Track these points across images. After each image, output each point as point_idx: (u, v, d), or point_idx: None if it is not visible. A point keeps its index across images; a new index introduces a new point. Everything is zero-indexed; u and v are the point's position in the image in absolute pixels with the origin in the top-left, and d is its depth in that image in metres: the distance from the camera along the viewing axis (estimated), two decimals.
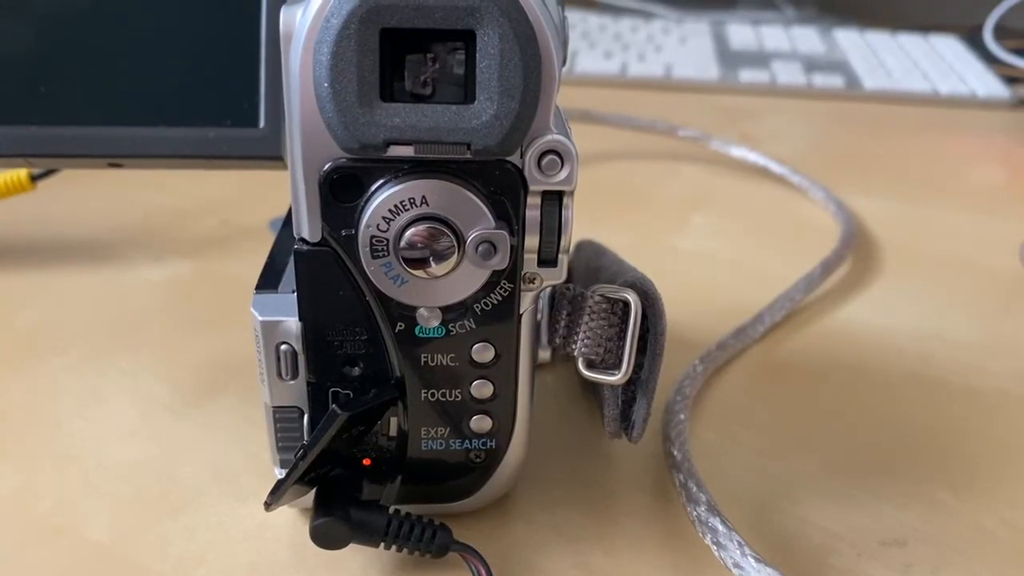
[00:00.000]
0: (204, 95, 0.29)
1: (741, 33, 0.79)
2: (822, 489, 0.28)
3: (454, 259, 0.20)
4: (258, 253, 0.43)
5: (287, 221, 0.28)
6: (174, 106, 0.29)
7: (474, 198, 0.20)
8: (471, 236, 0.20)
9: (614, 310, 0.23)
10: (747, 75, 0.68)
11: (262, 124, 0.29)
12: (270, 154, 0.29)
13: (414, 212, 0.20)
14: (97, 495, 0.27)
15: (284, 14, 0.19)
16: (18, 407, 0.30)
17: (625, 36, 0.76)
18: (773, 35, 0.79)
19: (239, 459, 0.28)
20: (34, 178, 0.37)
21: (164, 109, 0.29)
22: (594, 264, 0.28)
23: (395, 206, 0.20)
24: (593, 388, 0.27)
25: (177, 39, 0.29)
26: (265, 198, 0.45)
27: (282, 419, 0.24)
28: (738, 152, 0.52)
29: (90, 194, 0.45)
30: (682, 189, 0.50)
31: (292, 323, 0.22)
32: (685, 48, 0.74)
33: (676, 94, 0.67)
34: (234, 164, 0.29)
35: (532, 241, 0.21)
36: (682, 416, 0.28)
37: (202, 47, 0.29)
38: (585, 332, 0.23)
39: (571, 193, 0.21)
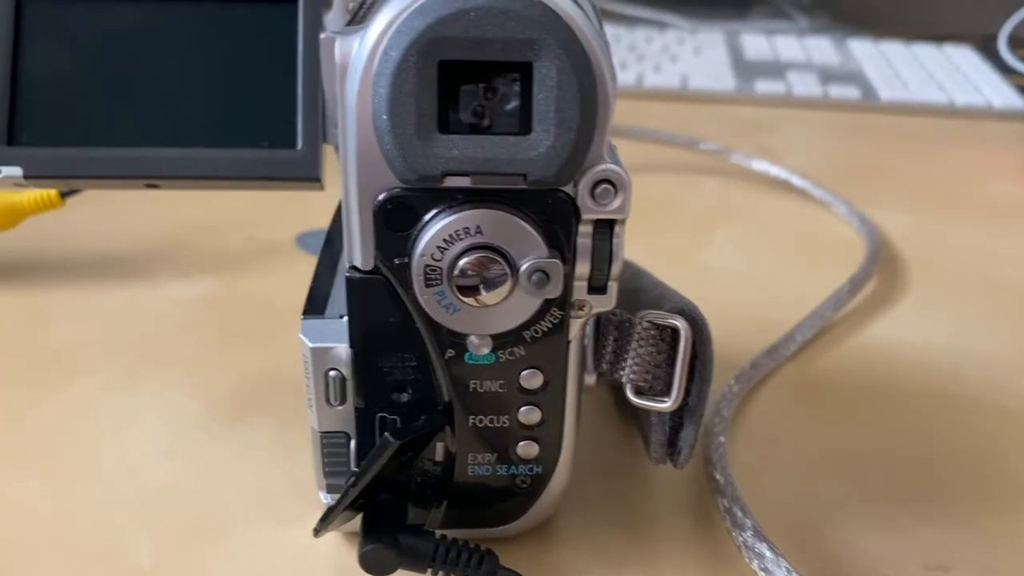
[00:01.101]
0: (241, 117, 0.29)
1: (755, 43, 0.79)
2: (862, 511, 0.28)
3: (507, 287, 0.20)
4: (285, 270, 0.43)
5: (328, 242, 0.28)
6: (211, 128, 0.29)
7: (528, 227, 0.20)
8: (524, 265, 0.20)
9: (663, 336, 0.23)
10: (763, 86, 0.68)
11: (299, 145, 0.29)
12: (308, 175, 0.29)
13: (468, 241, 0.20)
14: (136, 518, 0.26)
15: (340, 45, 0.19)
16: (52, 428, 0.30)
17: (640, 47, 0.76)
18: (787, 45, 0.79)
19: (279, 482, 0.28)
20: (64, 195, 0.37)
21: (201, 131, 0.29)
22: (633, 285, 0.28)
23: (449, 235, 0.20)
24: (634, 412, 0.27)
25: (214, 61, 0.29)
26: (290, 213, 0.45)
27: (329, 444, 0.24)
28: (759, 166, 0.52)
29: (116, 210, 0.45)
30: (705, 203, 0.50)
31: (342, 349, 0.22)
32: (700, 58, 0.74)
33: (693, 105, 0.67)
34: (272, 185, 0.29)
35: (583, 269, 0.21)
36: (722, 439, 0.28)
37: (239, 69, 0.29)
38: (634, 359, 0.23)
39: (623, 221, 0.21)
